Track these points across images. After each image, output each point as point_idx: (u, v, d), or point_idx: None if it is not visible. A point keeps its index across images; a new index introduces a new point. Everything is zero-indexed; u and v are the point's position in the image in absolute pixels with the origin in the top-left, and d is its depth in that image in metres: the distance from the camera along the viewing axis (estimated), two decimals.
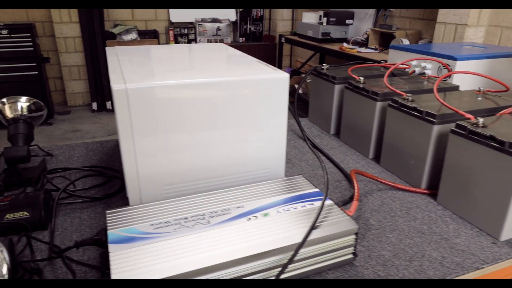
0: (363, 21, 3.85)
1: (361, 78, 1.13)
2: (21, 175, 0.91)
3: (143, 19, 4.85)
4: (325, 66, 1.31)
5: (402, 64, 1.30)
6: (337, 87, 1.22)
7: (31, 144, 0.97)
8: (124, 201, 0.87)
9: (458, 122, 0.81)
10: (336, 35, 3.77)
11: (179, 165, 0.78)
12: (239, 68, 0.86)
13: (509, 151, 0.71)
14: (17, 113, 0.96)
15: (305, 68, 4.80)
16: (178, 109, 0.73)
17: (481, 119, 0.79)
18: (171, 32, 4.86)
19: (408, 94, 0.97)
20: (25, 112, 0.97)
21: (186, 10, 4.93)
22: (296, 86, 4.01)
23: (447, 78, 1.27)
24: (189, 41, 4.95)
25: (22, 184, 0.90)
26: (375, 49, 3.36)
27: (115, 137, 3.88)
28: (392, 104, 0.99)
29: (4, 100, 0.97)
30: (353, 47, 3.43)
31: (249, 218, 0.66)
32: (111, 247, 0.59)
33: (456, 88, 1.13)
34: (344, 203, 0.84)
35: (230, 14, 5.13)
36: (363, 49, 3.33)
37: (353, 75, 1.18)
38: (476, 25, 2.57)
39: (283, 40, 4.41)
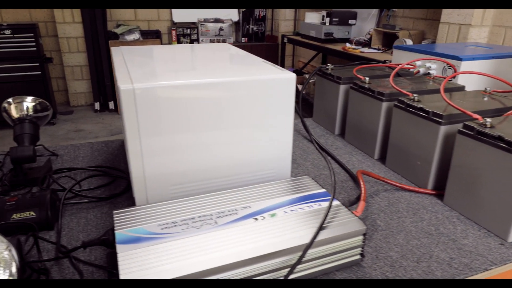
0: (366, 21, 3.85)
1: (367, 79, 1.12)
2: (27, 175, 0.91)
3: (145, 19, 4.85)
4: (329, 66, 1.31)
5: (408, 64, 1.29)
6: (342, 87, 1.22)
7: (36, 144, 0.97)
8: (129, 201, 0.87)
9: (465, 123, 0.81)
10: (339, 35, 3.77)
11: (186, 165, 0.78)
12: (245, 68, 0.86)
13: None
14: (23, 113, 0.96)
15: (308, 69, 4.80)
16: (185, 109, 0.73)
17: (489, 120, 0.79)
18: (173, 32, 4.86)
19: (414, 94, 0.97)
20: (30, 112, 0.97)
21: (188, 10, 4.94)
22: (299, 86, 4.01)
23: (453, 79, 1.27)
24: (192, 41, 4.96)
25: (28, 184, 0.90)
26: (378, 49, 3.35)
27: (118, 137, 3.88)
28: (398, 104, 0.98)
29: (10, 100, 0.97)
30: (356, 47, 3.42)
31: (257, 219, 0.66)
32: (119, 247, 0.59)
33: (462, 88, 1.13)
34: (350, 204, 0.83)
35: (232, 14, 5.13)
36: (366, 49, 3.33)
37: (359, 75, 1.18)
38: (480, 25, 2.57)
39: (285, 40, 4.41)
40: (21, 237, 0.70)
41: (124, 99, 0.68)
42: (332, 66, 1.31)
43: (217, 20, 5.00)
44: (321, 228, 0.64)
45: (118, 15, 4.71)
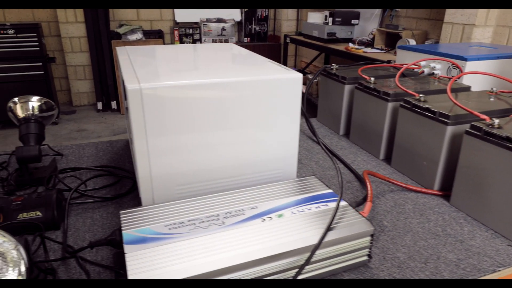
0: (369, 21, 3.84)
1: (372, 79, 1.12)
2: (32, 175, 0.91)
3: (148, 19, 4.86)
4: (334, 66, 1.30)
5: (413, 64, 1.29)
6: (347, 88, 1.22)
7: (42, 143, 0.97)
8: (135, 201, 0.87)
9: (473, 123, 0.80)
10: (341, 35, 3.76)
11: (192, 165, 0.77)
12: (252, 68, 0.85)
13: None
14: (28, 112, 0.96)
15: (310, 69, 4.79)
16: (192, 109, 0.73)
17: (496, 120, 0.78)
18: (176, 32, 4.86)
19: (420, 95, 0.97)
20: (36, 111, 0.97)
21: (191, 10, 4.94)
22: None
23: (458, 79, 1.26)
24: (194, 41, 4.96)
25: (33, 183, 0.90)
26: (381, 49, 3.35)
27: (121, 136, 3.89)
28: (404, 104, 0.98)
29: (16, 99, 0.97)
30: (359, 47, 3.42)
31: (264, 219, 0.66)
32: (127, 248, 0.58)
33: (467, 88, 1.12)
34: (357, 204, 0.83)
35: (235, 14, 5.13)
36: (369, 49, 3.32)
37: (364, 76, 1.18)
38: (484, 25, 2.56)
39: (288, 40, 4.41)
40: (28, 237, 0.70)
41: (131, 99, 0.68)
42: (337, 66, 1.31)
43: (219, 20, 5.00)
44: (329, 228, 0.63)
45: (121, 15, 4.72)
